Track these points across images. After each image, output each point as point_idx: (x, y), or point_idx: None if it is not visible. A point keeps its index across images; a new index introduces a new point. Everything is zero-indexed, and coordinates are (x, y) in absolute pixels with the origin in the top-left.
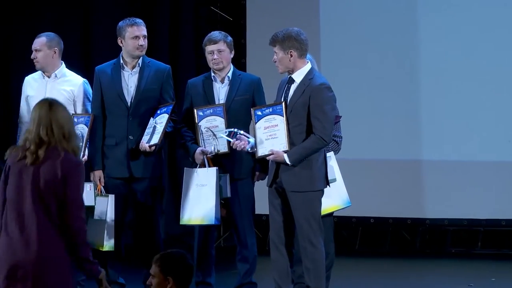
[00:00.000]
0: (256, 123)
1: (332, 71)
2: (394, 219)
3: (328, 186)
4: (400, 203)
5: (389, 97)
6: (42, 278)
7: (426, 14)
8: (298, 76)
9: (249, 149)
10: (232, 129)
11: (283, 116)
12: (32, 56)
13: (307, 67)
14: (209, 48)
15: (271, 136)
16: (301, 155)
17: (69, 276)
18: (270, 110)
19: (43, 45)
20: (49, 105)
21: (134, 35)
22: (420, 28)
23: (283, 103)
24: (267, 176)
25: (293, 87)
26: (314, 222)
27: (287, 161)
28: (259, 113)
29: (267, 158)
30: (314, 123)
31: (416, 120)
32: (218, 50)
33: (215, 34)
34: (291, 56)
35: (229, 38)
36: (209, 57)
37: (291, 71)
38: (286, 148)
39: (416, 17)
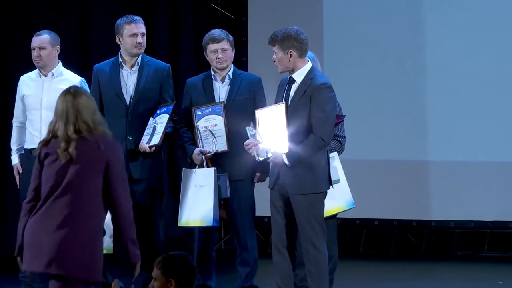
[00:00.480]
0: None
1: (335, 70)
2: (399, 221)
3: (331, 187)
4: (405, 205)
5: (393, 97)
6: (72, 263)
7: (430, 13)
8: (299, 76)
9: (265, 156)
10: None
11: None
12: (35, 54)
13: (308, 66)
14: (212, 47)
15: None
16: (300, 155)
17: (99, 261)
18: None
19: (47, 43)
20: (73, 96)
21: (132, 32)
22: (424, 28)
23: (283, 104)
24: (268, 177)
25: (293, 87)
26: (316, 225)
27: (286, 162)
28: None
29: (268, 160)
30: (314, 123)
31: (421, 120)
32: (222, 49)
33: (217, 32)
34: (291, 56)
35: (231, 37)
36: (212, 56)
37: (291, 71)
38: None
39: (420, 16)
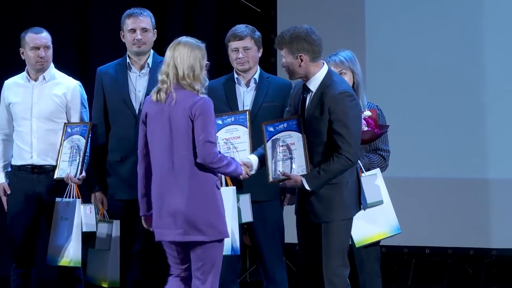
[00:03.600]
0: (267, 141)
1: (378, 72)
2: (453, 249)
3: (361, 209)
4: (461, 231)
5: (448, 104)
6: (192, 216)
7: (489, 14)
8: (314, 84)
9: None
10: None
11: (301, 133)
12: (40, 55)
13: (323, 71)
14: (233, 44)
15: (285, 156)
16: (323, 179)
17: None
18: (285, 126)
19: (50, 42)
20: (175, 46)
21: (130, 27)
22: (483, 30)
23: (299, 118)
24: None
25: (308, 98)
26: (337, 255)
27: (306, 187)
28: (271, 129)
29: (281, 184)
30: (338, 141)
31: (481, 132)
32: (244, 47)
33: (241, 28)
34: (302, 60)
35: (257, 34)
36: (232, 55)
37: (305, 78)
38: (305, 171)
39: (479, 17)
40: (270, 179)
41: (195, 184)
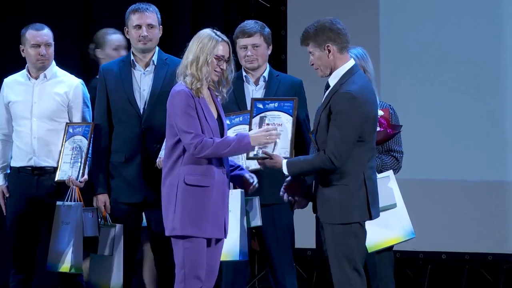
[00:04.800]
0: (254, 116)
1: (393, 72)
2: (471, 254)
3: (370, 218)
4: (478, 235)
5: (465, 103)
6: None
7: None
8: (333, 80)
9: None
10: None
11: (292, 116)
12: (41, 53)
13: (347, 66)
14: (241, 41)
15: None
16: (302, 169)
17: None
18: (276, 105)
19: (52, 39)
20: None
21: (136, 23)
22: (505, 25)
23: (294, 100)
24: (309, 203)
25: (325, 94)
26: (344, 262)
27: (284, 170)
28: (260, 105)
29: (260, 163)
30: (328, 139)
31: (500, 132)
32: (252, 44)
33: (250, 24)
34: (329, 51)
35: (267, 30)
36: (241, 52)
37: (331, 73)
38: (287, 154)
39: (503, 4)
40: (250, 155)
41: (165, 178)
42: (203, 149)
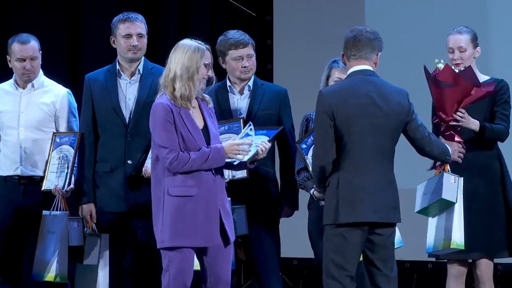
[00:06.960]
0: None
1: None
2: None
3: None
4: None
5: None
6: None
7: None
8: None
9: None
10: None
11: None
12: (26, 67)
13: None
14: (236, 53)
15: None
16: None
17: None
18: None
19: (38, 51)
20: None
21: (125, 33)
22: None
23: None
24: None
25: None
26: (324, 264)
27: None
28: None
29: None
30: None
31: None
32: (248, 55)
33: (239, 35)
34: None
35: (252, 40)
36: (234, 64)
37: None
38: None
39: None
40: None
41: (153, 189)
42: (179, 165)
